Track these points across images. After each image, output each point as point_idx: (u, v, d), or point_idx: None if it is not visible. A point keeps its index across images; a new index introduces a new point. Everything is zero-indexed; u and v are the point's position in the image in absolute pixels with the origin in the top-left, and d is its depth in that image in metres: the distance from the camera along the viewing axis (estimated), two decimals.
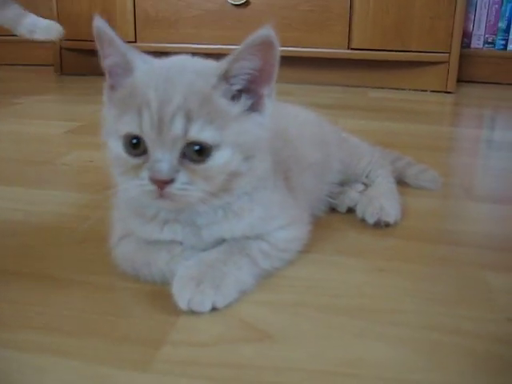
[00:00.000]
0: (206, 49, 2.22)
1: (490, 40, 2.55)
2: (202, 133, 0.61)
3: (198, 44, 2.27)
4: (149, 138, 0.61)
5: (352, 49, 2.19)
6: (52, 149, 1.30)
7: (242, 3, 2.23)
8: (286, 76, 2.22)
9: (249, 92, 0.65)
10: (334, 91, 2.22)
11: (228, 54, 0.63)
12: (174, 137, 0.60)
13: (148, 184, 0.61)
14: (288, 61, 2.53)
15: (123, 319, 0.62)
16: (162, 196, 0.61)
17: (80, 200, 0.97)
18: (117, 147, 0.64)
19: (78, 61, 2.50)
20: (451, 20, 2.16)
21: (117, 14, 2.36)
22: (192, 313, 0.62)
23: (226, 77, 0.63)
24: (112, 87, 0.67)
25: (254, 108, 0.65)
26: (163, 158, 0.60)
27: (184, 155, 0.61)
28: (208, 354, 0.56)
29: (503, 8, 2.51)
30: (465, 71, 2.48)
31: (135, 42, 2.37)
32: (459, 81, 2.38)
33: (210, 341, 0.58)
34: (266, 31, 0.61)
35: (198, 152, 0.61)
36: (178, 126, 0.60)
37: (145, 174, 0.61)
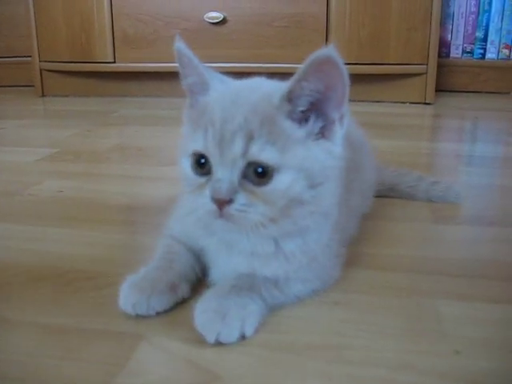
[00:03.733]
0: None
1: (468, 49, 2.57)
2: (262, 153, 0.60)
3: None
4: (212, 156, 0.62)
5: None
6: (23, 179, 1.30)
7: (219, 21, 2.24)
8: None
9: (318, 116, 0.64)
10: None
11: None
12: (234, 156, 0.61)
13: (209, 203, 0.62)
14: (266, 77, 2.51)
15: (70, 363, 0.61)
16: (221, 216, 0.62)
17: (40, 234, 0.96)
18: (186, 166, 0.66)
19: (58, 82, 2.50)
20: (427, 31, 2.18)
21: (95, 34, 2.36)
22: (141, 355, 0.61)
23: (289, 97, 0.62)
24: (191, 106, 0.70)
25: (325, 134, 0.64)
26: (223, 178, 0.61)
27: (245, 176, 0.62)
28: None
29: (480, 18, 2.53)
30: (444, 80, 2.49)
31: (114, 62, 2.37)
32: (439, 90, 2.39)
33: None
34: (327, 51, 0.58)
35: (259, 174, 0.61)
36: (237, 144, 0.60)
37: (207, 192, 0.62)
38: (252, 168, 0.61)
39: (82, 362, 0.62)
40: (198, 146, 0.63)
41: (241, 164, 0.61)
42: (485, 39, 2.54)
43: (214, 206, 0.61)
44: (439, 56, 2.43)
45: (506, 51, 2.55)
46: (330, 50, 0.58)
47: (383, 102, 2.30)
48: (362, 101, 2.26)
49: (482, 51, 2.55)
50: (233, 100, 0.64)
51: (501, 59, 2.54)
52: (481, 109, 2.24)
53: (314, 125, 0.64)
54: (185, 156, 0.66)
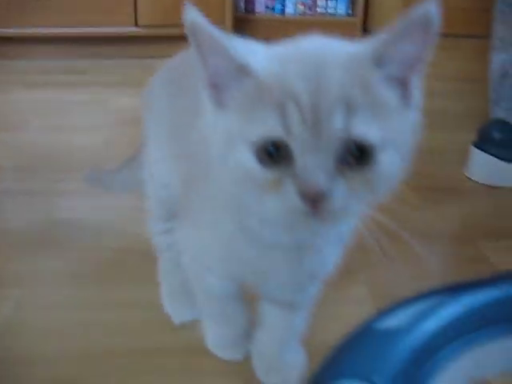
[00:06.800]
0: None
1: (270, 6, 2.99)
2: (367, 128, 0.48)
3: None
4: (298, 139, 0.47)
5: (138, 26, 2.51)
6: None
7: None
8: (82, 54, 2.53)
9: (397, 81, 0.51)
10: (126, 65, 2.47)
11: None
12: (333, 136, 0.47)
13: (297, 201, 0.48)
14: (82, 41, 2.79)
15: None
16: (315, 215, 0.48)
17: None
18: (245, 158, 0.50)
19: None
20: None
21: None
22: None
23: (379, 61, 0.50)
24: (215, 86, 0.52)
25: (403, 101, 0.52)
26: (318, 165, 0.47)
27: (339, 160, 0.48)
28: None
29: None
30: (249, 34, 2.90)
31: None
32: None
33: None
34: (430, 7, 0.47)
35: (358, 154, 0.48)
36: (338, 121, 0.47)
37: (289, 187, 0.48)
38: (348, 148, 0.48)
39: None
40: (271, 129, 0.48)
41: (338, 146, 0.47)
42: None
43: (303, 203, 0.48)
44: (246, 11, 2.85)
45: (302, 7, 3.00)
46: (432, 7, 0.47)
47: None
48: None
49: (281, 7, 2.99)
50: (316, 64, 0.49)
51: (298, 14, 2.99)
52: None
53: (395, 92, 0.52)
54: (238, 147, 0.50)
